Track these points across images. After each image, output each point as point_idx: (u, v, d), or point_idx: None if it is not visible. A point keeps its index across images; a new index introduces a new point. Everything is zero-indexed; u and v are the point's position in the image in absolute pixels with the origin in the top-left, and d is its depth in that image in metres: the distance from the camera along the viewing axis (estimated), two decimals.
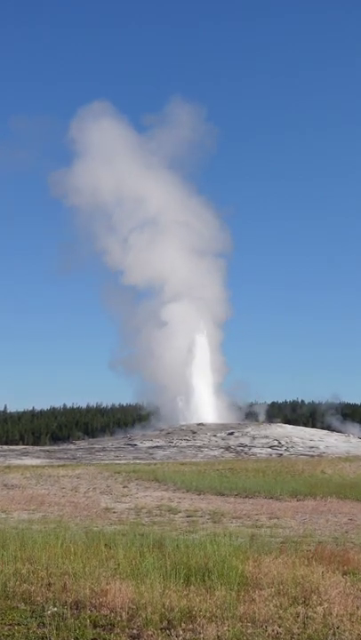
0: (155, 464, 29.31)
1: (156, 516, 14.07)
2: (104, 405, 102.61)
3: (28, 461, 32.77)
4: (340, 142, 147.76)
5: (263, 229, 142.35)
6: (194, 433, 47.07)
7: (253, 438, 43.55)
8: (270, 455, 36.93)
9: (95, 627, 6.05)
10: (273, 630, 5.87)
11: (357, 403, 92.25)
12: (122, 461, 32.70)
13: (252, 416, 66.58)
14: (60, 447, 47.83)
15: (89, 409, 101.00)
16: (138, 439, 46.97)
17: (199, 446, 41.39)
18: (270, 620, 6.06)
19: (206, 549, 8.24)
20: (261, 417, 67.25)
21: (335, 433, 51.82)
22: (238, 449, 39.81)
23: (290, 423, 58.22)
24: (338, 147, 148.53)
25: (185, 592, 6.75)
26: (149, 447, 41.67)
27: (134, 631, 5.93)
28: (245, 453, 38.05)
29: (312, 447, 40.52)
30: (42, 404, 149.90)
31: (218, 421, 55.02)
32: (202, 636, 5.75)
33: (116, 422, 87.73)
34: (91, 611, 6.44)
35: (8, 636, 5.93)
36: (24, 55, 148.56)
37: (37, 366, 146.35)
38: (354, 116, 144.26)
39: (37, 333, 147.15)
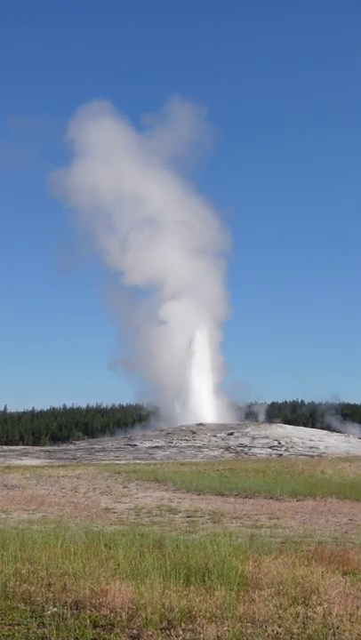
0: (155, 464, 29.31)
1: (156, 516, 14.07)
2: (104, 406, 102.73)
3: (27, 462, 32.78)
4: (340, 142, 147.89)
5: (263, 229, 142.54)
6: (194, 433, 47.07)
7: (253, 438, 43.55)
8: (270, 455, 36.94)
9: (95, 627, 6.06)
10: (273, 630, 5.87)
11: (357, 403, 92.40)
12: (122, 462, 32.70)
13: (251, 416, 66.59)
14: (60, 447, 47.83)
15: (89, 409, 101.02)
16: (138, 439, 46.98)
17: (199, 446, 41.39)
18: (270, 620, 6.06)
19: (206, 549, 8.25)
20: (261, 417, 67.26)
21: (335, 433, 51.82)
22: (238, 449, 39.81)
23: (290, 423, 58.24)
24: (338, 147, 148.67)
25: (185, 592, 6.76)
26: (149, 447, 41.67)
27: (134, 631, 5.93)
28: (245, 453, 38.05)
29: (312, 447, 40.52)
30: (42, 404, 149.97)
31: (218, 421, 55.02)
32: (202, 636, 5.75)
33: (115, 422, 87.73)
34: (91, 611, 6.45)
35: (8, 636, 5.93)
36: (23, 55, 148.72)
37: (37, 366, 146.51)
38: (354, 115, 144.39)
39: (37, 333, 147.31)
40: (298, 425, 60.93)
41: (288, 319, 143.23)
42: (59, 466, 28.56)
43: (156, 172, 68.67)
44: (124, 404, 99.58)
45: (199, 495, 17.71)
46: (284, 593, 6.81)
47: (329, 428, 61.17)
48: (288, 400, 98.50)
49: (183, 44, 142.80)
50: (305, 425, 66.87)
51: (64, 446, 49.55)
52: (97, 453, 39.31)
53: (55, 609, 6.49)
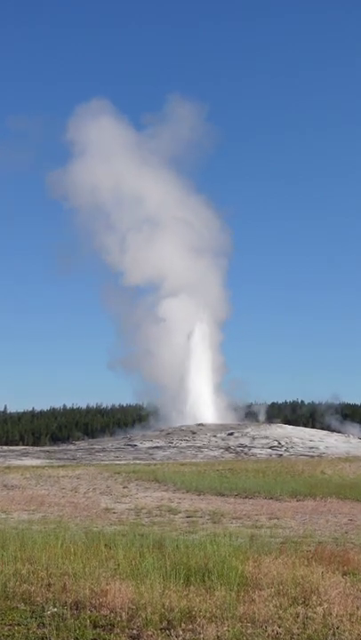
0: (155, 464, 29.31)
1: (156, 516, 14.07)
2: (104, 406, 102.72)
3: (27, 462, 32.78)
4: (340, 142, 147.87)
5: (263, 229, 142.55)
6: (194, 433, 47.08)
7: (253, 439, 43.56)
8: (270, 456, 36.94)
9: (95, 627, 6.06)
10: (273, 630, 5.87)
11: (357, 403, 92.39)
12: (122, 462, 32.71)
13: (251, 416, 66.59)
14: (60, 448, 47.84)
15: (89, 409, 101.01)
16: (138, 440, 46.98)
17: (199, 447, 41.40)
18: (270, 621, 6.06)
19: (206, 550, 8.25)
20: (261, 417, 67.27)
21: (335, 433, 51.83)
22: (238, 449, 39.81)
23: (290, 423, 58.24)
24: (338, 147, 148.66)
25: (185, 592, 6.76)
26: (149, 448, 41.68)
27: (134, 631, 5.94)
28: (245, 454, 38.06)
29: (312, 448, 40.53)
30: (42, 404, 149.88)
31: (218, 422, 55.03)
32: (202, 636, 5.75)
33: (115, 423, 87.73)
34: (91, 611, 6.45)
35: (8, 636, 5.93)
36: (22, 54, 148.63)
37: (37, 367, 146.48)
38: (354, 115, 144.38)
39: (37, 334, 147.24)
40: (298, 425, 60.94)
41: (288, 319, 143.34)
42: (59, 466, 28.56)
43: (156, 171, 68.74)
44: (124, 405, 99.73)
45: (199, 495, 17.71)
46: (285, 593, 6.81)
47: (329, 429, 61.18)
48: (288, 400, 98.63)
49: (183, 43, 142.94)
50: (305, 425, 66.87)
51: (64, 446, 49.56)
52: (97, 454, 39.32)
53: (55, 609, 6.49)
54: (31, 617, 6.38)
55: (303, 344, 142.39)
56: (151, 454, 38.04)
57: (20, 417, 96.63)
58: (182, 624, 6.01)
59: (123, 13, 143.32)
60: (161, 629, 5.94)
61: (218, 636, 5.73)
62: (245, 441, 42.90)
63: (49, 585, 7.22)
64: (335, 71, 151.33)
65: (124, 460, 33.88)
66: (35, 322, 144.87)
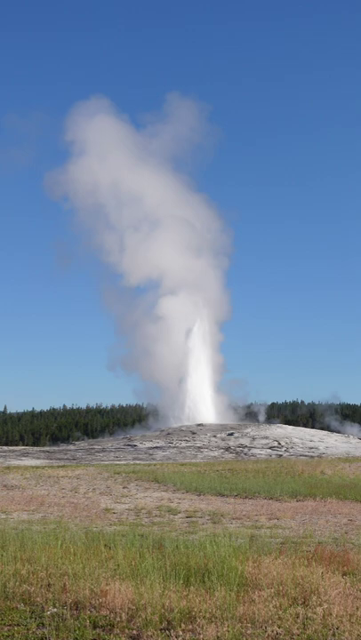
0: (154, 465, 29.31)
1: (156, 516, 14.07)
2: (104, 406, 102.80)
3: (27, 462, 32.77)
4: (340, 143, 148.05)
5: (263, 230, 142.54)
6: (193, 434, 47.07)
7: (253, 439, 43.54)
8: (270, 456, 36.94)
9: (95, 627, 6.06)
10: (273, 631, 5.87)
11: (357, 403, 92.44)
12: (121, 462, 32.70)
13: (251, 417, 66.56)
14: (60, 448, 47.82)
15: (89, 410, 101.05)
16: (137, 440, 46.96)
17: (199, 447, 41.40)
18: (270, 621, 6.06)
19: (206, 550, 8.25)
20: (261, 417, 67.26)
21: (335, 434, 51.80)
22: (238, 450, 39.81)
23: (290, 424, 58.19)
24: (339, 147, 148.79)
25: (185, 593, 6.76)
26: (149, 448, 41.67)
27: (134, 632, 5.94)
28: (245, 454, 38.05)
29: (312, 448, 40.52)
30: (42, 404, 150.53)
31: (218, 422, 55.01)
32: (201, 636, 5.75)
33: (115, 423, 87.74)
34: (90, 611, 6.45)
35: (8, 636, 5.93)
36: (21, 54, 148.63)
37: (37, 367, 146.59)
38: (355, 116, 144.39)
39: (37, 334, 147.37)
40: (298, 425, 60.95)
41: (288, 320, 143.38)
42: (58, 466, 28.55)
43: (155, 170, 68.58)
44: (124, 405, 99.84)
45: (199, 496, 17.71)
46: (284, 593, 6.81)
47: (329, 429, 61.17)
48: (288, 400, 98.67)
49: (183, 44, 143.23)
50: (305, 425, 66.90)
51: (64, 447, 49.54)
52: (97, 454, 39.32)
53: (55, 609, 6.49)
54: (31, 617, 6.38)
55: (303, 344, 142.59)
56: (151, 454, 38.04)
57: (19, 417, 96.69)
58: (182, 624, 6.01)
59: (123, 13, 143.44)
60: (161, 630, 5.94)
61: (218, 637, 5.73)
62: (245, 441, 42.89)
63: (49, 585, 7.22)
64: (336, 72, 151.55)
65: (124, 461, 33.88)
66: (35, 322, 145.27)
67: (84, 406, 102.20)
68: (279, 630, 5.89)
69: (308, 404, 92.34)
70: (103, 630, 5.99)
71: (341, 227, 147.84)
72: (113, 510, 15.05)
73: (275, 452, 38.54)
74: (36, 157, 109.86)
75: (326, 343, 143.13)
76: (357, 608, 6.38)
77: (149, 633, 5.85)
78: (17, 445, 61.07)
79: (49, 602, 6.72)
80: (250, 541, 10.02)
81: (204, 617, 6.11)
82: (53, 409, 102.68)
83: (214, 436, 45.23)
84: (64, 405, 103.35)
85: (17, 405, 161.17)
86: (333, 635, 5.82)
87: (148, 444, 43.24)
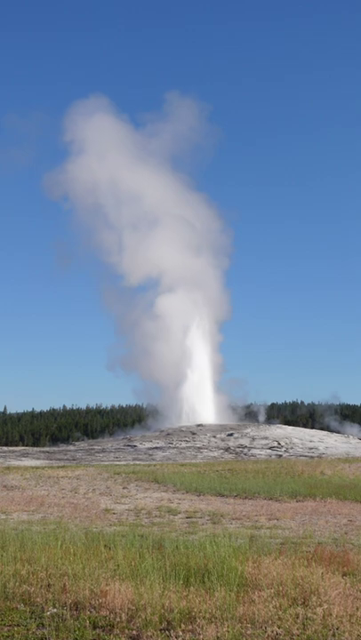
0: (154, 465, 29.31)
1: (156, 517, 14.07)
2: (104, 407, 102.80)
3: (27, 462, 32.77)
4: (341, 143, 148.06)
5: (263, 230, 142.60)
6: (193, 434, 47.07)
7: (253, 439, 43.55)
8: (270, 456, 36.93)
9: (95, 628, 6.06)
10: (272, 631, 5.87)
11: (357, 404, 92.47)
12: (121, 462, 32.70)
13: (251, 417, 66.55)
14: (60, 448, 47.80)
15: (88, 410, 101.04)
16: (137, 440, 46.96)
17: (199, 447, 41.39)
18: (270, 621, 6.06)
19: (206, 550, 8.25)
20: (261, 418, 67.24)
21: (335, 434, 51.80)
22: (238, 450, 39.81)
23: (289, 424, 58.18)
24: (339, 148, 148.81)
25: (184, 593, 6.76)
26: (149, 448, 41.66)
27: (134, 632, 5.94)
28: (245, 454, 38.05)
29: (312, 448, 40.52)
30: (41, 405, 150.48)
31: (217, 422, 54.99)
32: (201, 637, 5.75)
33: (115, 423, 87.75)
34: (90, 612, 6.45)
35: (7, 637, 5.93)
36: (20, 53, 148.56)
37: (37, 367, 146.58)
38: (356, 117, 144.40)
39: (37, 335, 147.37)
40: (297, 426, 60.95)
41: (288, 320, 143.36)
42: (58, 467, 28.54)
43: (155, 170, 68.47)
44: (124, 405, 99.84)
45: (199, 496, 17.71)
46: (284, 594, 6.81)
47: (328, 429, 61.16)
48: (288, 401, 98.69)
49: (183, 44, 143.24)
50: (305, 426, 66.89)
51: (64, 447, 49.53)
52: (97, 454, 39.31)
53: (55, 610, 6.50)
54: (31, 617, 6.39)
55: (303, 344, 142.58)
56: (151, 455, 38.04)
57: (19, 417, 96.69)
58: (182, 625, 6.01)
59: (123, 13, 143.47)
60: (161, 630, 5.95)
61: (218, 637, 5.73)
62: (245, 441, 42.89)
63: (48, 586, 7.22)
64: (336, 72, 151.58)
65: (124, 461, 33.87)
66: (35, 322, 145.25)
67: (83, 407, 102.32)
68: (279, 630, 5.89)
69: (308, 404, 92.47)
70: (103, 631, 5.99)
71: (341, 227, 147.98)
72: (113, 511, 15.05)
73: (274, 453, 38.54)
74: (36, 157, 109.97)
75: (326, 343, 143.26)
76: (357, 608, 6.38)
77: (149, 633, 5.85)
78: (17, 446, 61.06)
79: (49, 602, 6.73)
80: (250, 542, 10.02)
81: (203, 617, 6.11)
82: (53, 409, 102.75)
83: (214, 437, 45.23)
84: (64, 406, 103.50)
85: (17, 406, 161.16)
86: (333, 635, 5.82)
87: (148, 445, 43.23)
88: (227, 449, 40.42)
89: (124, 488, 19.87)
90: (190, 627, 5.97)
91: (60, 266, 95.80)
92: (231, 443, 42.74)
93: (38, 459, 35.93)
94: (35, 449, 47.89)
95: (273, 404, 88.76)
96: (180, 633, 5.85)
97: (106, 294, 72.89)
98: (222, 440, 44.03)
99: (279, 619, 6.12)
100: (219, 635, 5.76)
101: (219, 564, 7.59)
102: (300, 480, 20.84)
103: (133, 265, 65.07)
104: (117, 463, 32.14)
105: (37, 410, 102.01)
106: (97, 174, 68.45)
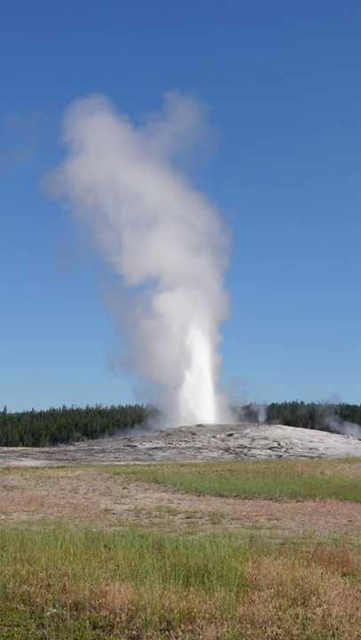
0: (154, 465, 29.31)
1: (156, 517, 14.08)
2: (103, 407, 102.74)
3: (27, 463, 32.77)
4: (341, 143, 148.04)
5: (263, 230, 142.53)
6: (193, 434, 47.07)
7: (253, 440, 43.55)
8: (270, 456, 36.94)
9: (95, 628, 6.07)
10: (272, 631, 5.88)
11: (357, 404, 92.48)
12: (121, 463, 32.70)
13: (251, 417, 66.53)
14: (60, 448, 47.81)
15: (88, 410, 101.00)
16: (137, 440, 46.97)
17: (199, 448, 41.40)
18: (270, 622, 6.07)
19: (206, 551, 8.25)
20: (261, 418, 67.22)
21: (335, 434, 51.82)
22: (238, 450, 39.81)
23: (289, 424, 58.18)
24: (339, 148, 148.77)
25: (184, 593, 6.76)
26: (149, 448, 41.67)
27: (134, 632, 5.94)
28: (245, 455, 38.06)
29: (312, 449, 40.52)
30: (41, 405, 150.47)
31: (217, 423, 54.98)
32: (201, 637, 5.76)
33: (115, 424, 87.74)
34: (90, 612, 6.46)
35: (7, 637, 5.94)
36: (18, 53, 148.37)
37: (37, 368, 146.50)
38: (356, 117, 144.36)
39: (37, 335, 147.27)
40: (297, 426, 60.95)
41: (288, 320, 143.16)
42: (58, 467, 28.55)
43: (155, 169, 68.38)
44: (124, 405, 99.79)
45: (199, 496, 17.72)
46: (284, 594, 6.81)
47: (328, 429, 61.15)
48: (288, 401, 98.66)
49: (183, 44, 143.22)
50: (304, 426, 66.89)
51: (64, 447, 49.53)
52: (96, 454, 39.32)
53: (55, 610, 6.50)
54: (31, 618, 6.39)
55: (303, 345, 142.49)
56: (151, 455, 38.04)
57: (19, 418, 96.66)
58: (182, 625, 6.01)
59: (123, 13, 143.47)
60: (160, 630, 5.95)
61: (217, 637, 5.74)
62: (245, 442, 42.90)
63: (48, 586, 7.22)
64: (336, 72, 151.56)
65: (124, 461, 33.87)
66: (35, 322, 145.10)
67: (83, 407, 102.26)
68: (279, 631, 5.89)
69: (308, 404, 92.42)
70: (103, 631, 6.00)
71: (341, 227, 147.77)
72: (113, 511, 15.05)
73: (274, 453, 38.54)
74: (36, 157, 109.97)
75: (326, 343, 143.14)
76: (357, 609, 6.38)
77: (149, 633, 5.85)
78: (17, 446, 61.04)
79: (49, 602, 6.73)
80: (249, 542, 10.03)
81: (203, 617, 6.11)
82: (53, 409, 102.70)
83: (214, 437, 45.23)
84: (64, 406, 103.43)
85: (17, 406, 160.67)
86: (333, 635, 5.82)
87: (148, 445, 43.24)
88: (227, 449, 40.43)
89: (123, 488, 19.87)
90: (190, 627, 5.98)
91: (60, 266, 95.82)
92: (231, 443, 42.74)
93: (38, 459, 35.94)
94: (35, 449, 47.89)
95: (273, 405, 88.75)
96: (180, 633, 5.85)
97: (106, 294, 72.87)
98: (222, 440, 44.03)
99: (279, 619, 6.12)
100: (218, 635, 5.76)
101: (218, 564, 7.59)
102: (299, 480, 20.85)
103: (133, 264, 65.04)
104: (117, 463, 32.15)
105: (37, 410, 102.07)
106: (96, 174, 68.42)
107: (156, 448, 41.70)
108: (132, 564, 7.93)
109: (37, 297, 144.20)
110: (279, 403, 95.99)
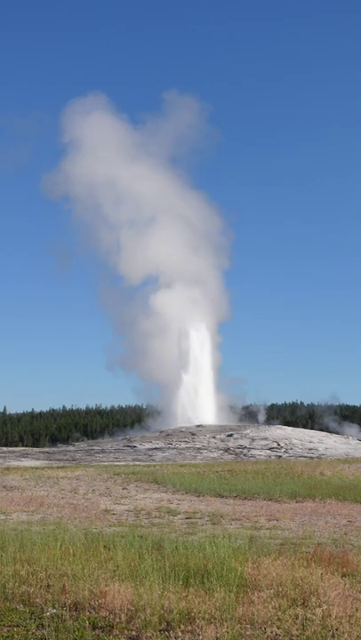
0: (154, 466, 29.31)
1: (156, 517, 14.07)
2: (103, 407, 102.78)
3: (27, 463, 32.77)
4: (341, 143, 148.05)
5: (263, 230, 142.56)
6: (193, 435, 47.06)
7: (253, 440, 43.55)
8: (269, 457, 36.94)
9: (94, 628, 6.07)
10: (272, 632, 5.88)
11: (356, 404, 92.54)
12: (121, 463, 32.70)
13: (251, 418, 66.51)
14: (60, 449, 47.81)
15: (88, 410, 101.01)
16: (137, 441, 46.96)
17: (198, 448, 41.39)
18: (269, 622, 6.07)
19: (205, 551, 8.25)
20: (261, 418, 67.21)
21: (334, 435, 51.82)
22: (237, 451, 39.81)
23: (289, 425, 58.16)
24: (339, 148, 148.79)
25: (184, 594, 6.76)
26: (149, 449, 41.66)
27: (133, 633, 5.94)
28: (245, 455, 38.05)
29: (311, 449, 40.53)
30: (41, 405, 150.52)
31: (217, 423, 54.96)
32: (201, 637, 5.76)
33: (115, 424, 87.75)
34: (90, 612, 6.45)
35: (7, 637, 5.94)
36: (17, 53, 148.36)
37: (37, 368, 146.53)
38: (355, 117, 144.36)
39: (37, 335, 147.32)
40: (297, 426, 60.94)
41: (287, 320, 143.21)
42: (58, 467, 28.55)
43: (154, 168, 68.29)
44: (124, 406, 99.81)
45: (198, 497, 17.71)
46: (284, 594, 6.81)
47: (328, 430, 61.15)
48: (287, 401, 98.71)
49: (183, 44, 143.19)
50: (304, 426, 66.88)
51: (63, 447, 49.53)
52: (96, 455, 39.31)
53: (54, 610, 6.50)
54: (30, 618, 6.39)
55: (302, 345, 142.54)
56: (150, 455, 38.04)
57: (19, 418, 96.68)
58: (181, 625, 6.01)
59: (122, 13, 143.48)
60: (160, 631, 5.95)
61: (217, 638, 5.73)
62: (245, 442, 42.89)
63: (48, 586, 7.22)
64: (336, 72, 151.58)
65: (124, 462, 33.87)
66: (34, 323, 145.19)
67: (83, 407, 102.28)
68: (278, 631, 5.89)
69: (308, 405, 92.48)
70: (102, 631, 5.99)
71: (341, 227, 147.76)
72: (112, 511, 15.05)
73: (274, 454, 38.54)
74: (36, 157, 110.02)
75: (326, 343, 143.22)
76: (357, 609, 6.38)
77: (149, 634, 5.85)
78: (16, 446, 61.03)
79: (48, 603, 6.73)
80: (249, 542, 10.02)
81: (203, 618, 6.11)
82: (53, 410, 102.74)
83: (214, 438, 45.23)
84: (63, 406, 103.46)
85: (16, 406, 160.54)
86: (333, 636, 5.82)
87: (148, 445, 43.24)
88: (226, 450, 40.42)
89: (123, 489, 19.87)
90: (190, 627, 5.98)
91: (60, 266, 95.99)
92: (231, 443, 42.74)
93: (38, 459, 35.93)
94: (34, 449, 47.89)
95: (273, 405, 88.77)
96: (180, 634, 5.85)
97: (103, 293, 72.83)
98: (222, 441, 44.03)
99: (278, 619, 6.12)
100: (218, 635, 5.76)
101: (218, 564, 7.59)
102: (299, 481, 20.84)
103: (132, 263, 65.00)
104: (117, 464, 32.14)
105: (37, 410, 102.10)
106: (95, 173, 68.32)
107: (156, 448, 41.69)
108: (132, 564, 7.93)
109: (37, 297, 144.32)
110: (279, 403, 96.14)
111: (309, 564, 8.11)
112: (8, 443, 74.86)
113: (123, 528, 12.27)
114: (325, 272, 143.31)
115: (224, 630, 5.82)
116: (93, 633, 5.95)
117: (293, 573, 7.46)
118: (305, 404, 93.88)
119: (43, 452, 42.30)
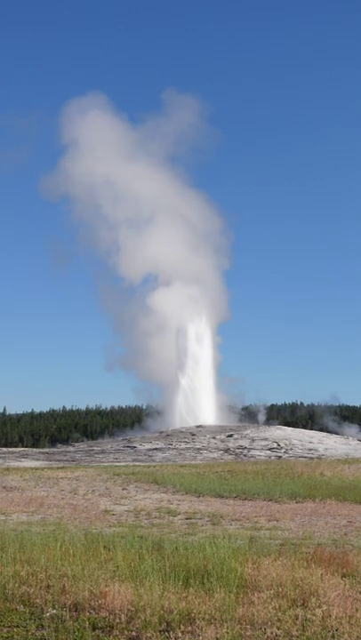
0: (154, 466, 29.31)
1: (156, 518, 14.07)
2: (103, 407, 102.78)
3: (27, 463, 32.76)
4: (340, 143, 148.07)
5: (263, 230, 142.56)
6: (193, 435, 47.04)
7: (252, 440, 43.54)
8: (269, 457, 36.93)
9: (94, 629, 6.07)
10: (272, 632, 5.87)
11: (356, 405, 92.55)
12: (121, 463, 32.69)
13: (251, 418, 66.49)
14: (60, 449, 47.79)
15: (88, 411, 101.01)
16: (137, 441, 46.94)
17: (198, 448, 41.38)
18: (269, 623, 6.06)
19: (205, 552, 8.25)
20: (261, 419, 67.19)
21: (334, 435, 51.82)
22: (237, 451, 39.80)
23: (289, 425, 58.15)
24: (339, 148, 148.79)
25: (184, 594, 6.76)
26: (148, 449, 41.65)
27: (133, 633, 5.94)
28: (244, 456, 38.05)
29: (311, 449, 40.52)
30: (41, 406, 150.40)
31: (217, 423, 54.93)
32: (201, 638, 5.76)
33: (115, 424, 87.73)
34: (90, 613, 6.45)
35: (7, 638, 5.94)
36: (17, 53, 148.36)
37: (37, 368, 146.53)
38: (355, 117, 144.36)
39: (37, 335, 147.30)
40: (297, 427, 60.92)
41: (287, 321, 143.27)
42: (58, 468, 28.54)
43: (153, 168, 68.24)
44: (124, 406, 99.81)
45: (198, 497, 17.71)
46: (284, 595, 6.81)
47: (328, 430, 61.15)
48: (287, 402, 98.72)
49: (183, 43, 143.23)
50: (304, 427, 66.86)
51: (63, 448, 49.51)
52: (96, 455, 39.30)
53: (54, 611, 6.50)
54: (30, 619, 6.39)
55: (302, 345, 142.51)
56: (150, 456, 38.03)
57: (19, 418, 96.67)
58: (181, 626, 6.01)
59: (122, 13, 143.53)
60: (160, 631, 5.95)
61: (217, 638, 5.73)
62: (245, 443, 42.88)
63: (48, 587, 7.22)
64: (336, 72, 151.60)
65: (124, 462, 33.86)
66: (34, 323, 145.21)
67: (83, 407, 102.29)
68: (278, 632, 5.89)
69: (308, 405, 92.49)
70: (102, 632, 5.99)
71: (341, 227, 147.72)
72: (112, 512, 15.05)
73: (274, 454, 38.54)
74: (35, 157, 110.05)
75: (326, 344, 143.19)
76: (357, 610, 6.38)
77: (148, 634, 5.85)
78: (16, 447, 61.03)
79: (48, 603, 6.73)
80: (249, 543, 10.02)
81: (203, 618, 6.11)
82: (53, 410, 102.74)
83: (214, 438, 45.22)
84: (63, 407, 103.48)
85: (16, 407, 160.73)
86: (333, 636, 5.82)
87: (148, 446, 43.23)
88: (226, 450, 40.42)
89: (123, 489, 19.87)
90: (190, 628, 5.98)
91: (59, 266, 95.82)
92: (231, 444, 42.73)
93: (38, 460, 35.93)
94: (34, 450, 47.88)
95: (272, 405, 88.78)
96: (180, 634, 5.85)
97: (103, 293, 72.77)
98: (222, 441, 44.02)
99: (278, 620, 6.12)
100: (218, 636, 5.76)
101: (218, 565, 7.59)
102: (299, 481, 20.84)
103: (132, 263, 64.96)
104: (117, 464, 32.14)
105: (37, 411, 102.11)
106: (95, 172, 68.25)
107: (156, 449, 41.69)
108: (132, 564, 7.93)
109: (37, 297, 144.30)
110: (279, 403, 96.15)
111: (309, 565, 8.11)
112: (8, 443, 74.85)
113: (123, 528, 12.27)
114: (325, 272, 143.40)
115: (224, 631, 5.82)
116: (93, 633, 5.95)
117: (293, 574, 7.46)
118: (305, 405, 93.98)
119: (42, 453, 42.29)
